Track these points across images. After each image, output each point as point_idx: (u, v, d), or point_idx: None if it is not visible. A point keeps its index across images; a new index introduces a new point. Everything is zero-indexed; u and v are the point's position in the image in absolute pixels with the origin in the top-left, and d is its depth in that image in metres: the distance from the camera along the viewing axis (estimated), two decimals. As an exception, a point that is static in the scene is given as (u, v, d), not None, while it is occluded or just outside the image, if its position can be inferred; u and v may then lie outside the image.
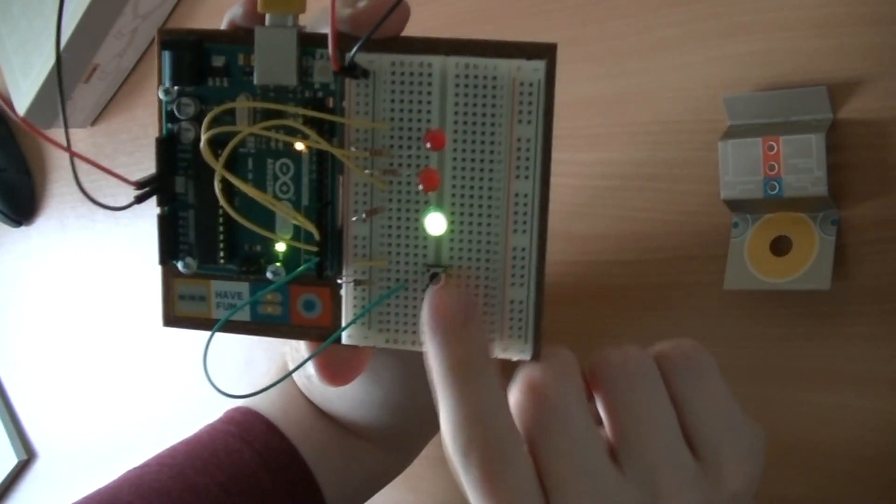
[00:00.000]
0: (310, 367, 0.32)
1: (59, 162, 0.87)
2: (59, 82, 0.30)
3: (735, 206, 0.46)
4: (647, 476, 0.29)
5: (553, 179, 0.55)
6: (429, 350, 0.29)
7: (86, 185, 0.85)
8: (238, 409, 0.54)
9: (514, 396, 0.29)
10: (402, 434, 0.54)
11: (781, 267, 0.44)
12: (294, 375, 0.55)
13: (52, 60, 0.73)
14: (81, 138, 0.83)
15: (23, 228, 0.91)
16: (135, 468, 0.50)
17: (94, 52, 0.72)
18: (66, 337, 0.88)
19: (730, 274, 0.45)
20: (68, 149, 0.29)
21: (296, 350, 0.52)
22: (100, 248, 0.84)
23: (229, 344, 0.75)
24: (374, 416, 0.52)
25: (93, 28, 0.71)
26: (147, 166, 0.78)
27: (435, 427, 0.58)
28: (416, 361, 0.31)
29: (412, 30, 0.59)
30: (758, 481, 0.31)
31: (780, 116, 0.45)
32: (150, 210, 0.89)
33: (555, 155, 0.54)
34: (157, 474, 0.49)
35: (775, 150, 0.44)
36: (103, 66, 0.75)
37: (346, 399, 0.51)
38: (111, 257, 0.83)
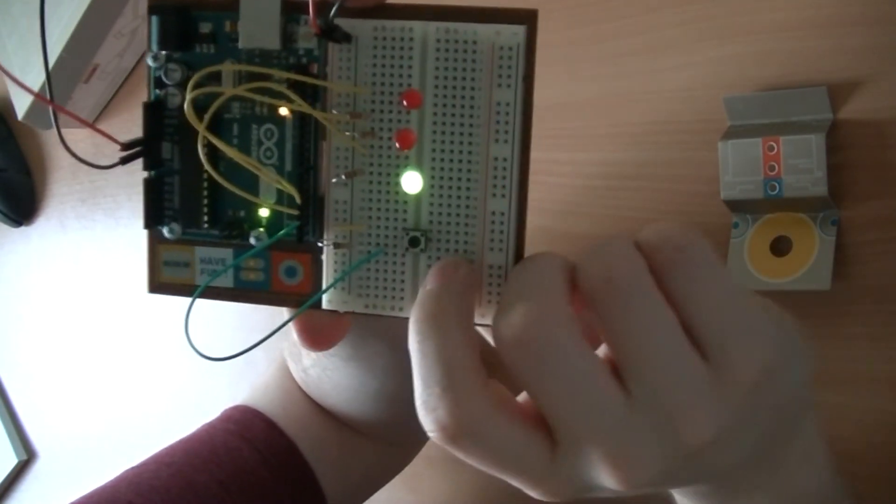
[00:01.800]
0: (294, 336, 0.32)
1: (59, 162, 0.87)
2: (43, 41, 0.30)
3: (735, 206, 0.46)
4: (656, 397, 0.27)
5: (553, 179, 0.55)
6: (415, 304, 0.29)
7: (85, 186, 0.85)
8: (236, 408, 0.54)
9: (499, 349, 0.27)
10: (399, 428, 0.54)
11: (781, 267, 0.44)
12: (293, 371, 0.55)
13: (52, 59, 0.73)
14: (81, 138, 0.83)
15: (23, 228, 0.91)
16: (133, 467, 0.50)
17: (94, 52, 0.72)
18: (66, 337, 0.88)
19: (730, 274, 0.45)
20: (50, 101, 0.30)
21: (293, 345, 0.52)
22: (100, 248, 0.84)
23: (231, 344, 0.75)
24: (370, 409, 0.52)
25: (93, 28, 0.71)
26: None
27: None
28: (407, 349, 0.31)
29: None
30: (785, 363, 0.28)
31: (780, 117, 0.45)
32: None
33: (554, 155, 0.55)
34: (156, 473, 0.48)
35: (775, 150, 0.44)
36: (103, 66, 0.75)
37: (342, 391, 0.51)
38: (111, 257, 0.83)
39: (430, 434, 0.28)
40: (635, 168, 0.51)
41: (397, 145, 0.29)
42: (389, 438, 0.55)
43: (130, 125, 0.79)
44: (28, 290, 0.92)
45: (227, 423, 0.53)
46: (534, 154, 0.28)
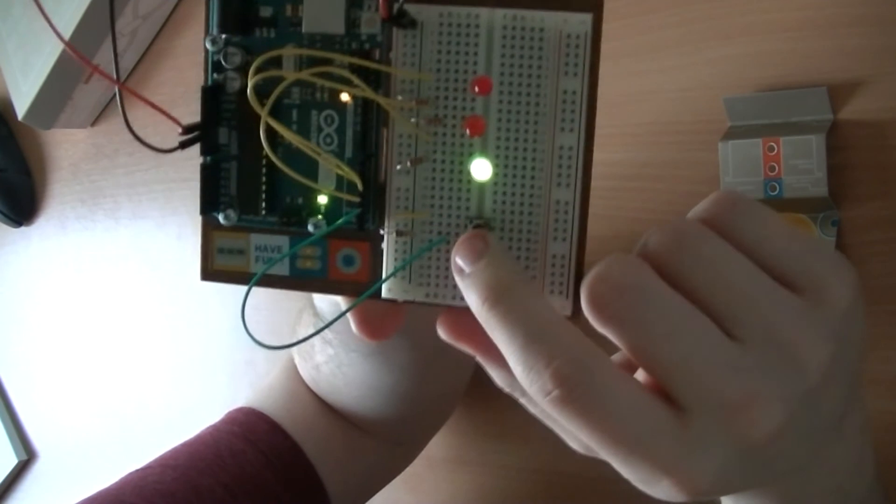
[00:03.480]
0: (352, 326, 0.31)
1: (59, 162, 0.87)
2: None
3: (735, 206, 0.46)
4: (765, 334, 0.26)
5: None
6: (466, 291, 0.28)
7: (85, 186, 0.85)
8: (240, 410, 0.55)
9: (597, 310, 0.26)
10: (406, 426, 0.55)
11: (782, 267, 0.44)
12: (301, 368, 0.55)
13: (52, 60, 0.73)
14: (81, 139, 0.83)
15: (23, 229, 0.91)
16: (137, 470, 0.50)
17: (94, 52, 0.72)
18: (66, 337, 0.88)
19: (730, 274, 0.45)
20: (117, 80, 0.30)
21: (312, 326, 0.52)
22: (100, 248, 0.84)
23: (231, 345, 0.75)
24: (381, 406, 0.52)
25: (93, 28, 0.71)
26: (148, 166, 0.78)
27: (438, 422, 0.58)
28: (428, 347, 0.30)
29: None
30: (860, 294, 0.28)
31: (780, 117, 0.45)
32: (151, 210, 0.88)
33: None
34: (161, 476, 0.48)
35: (776, 150, 0.44)
36: (103, 66, 0.75)
37: (355, 387, 0.51)
38: (111, 258, 0.83)
39: (547, 399, 0.25)
40: (635, 168, 0.51)
41: (467, 132, 0.29)
42: (394, 437, 0.55)
43: (131, 125, 0.79)
44: (28, 290, 0.92)
45: (231, 426, 0.53)
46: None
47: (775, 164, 0.44)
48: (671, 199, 0.49)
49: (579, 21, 0.28)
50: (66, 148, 0.85)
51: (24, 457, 0.92)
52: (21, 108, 0.78)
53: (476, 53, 0.28)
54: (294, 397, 0.54)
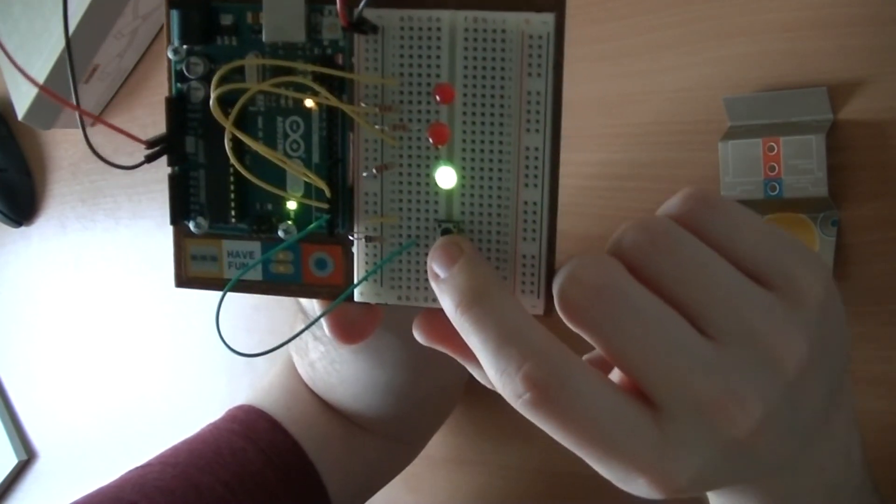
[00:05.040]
0: (326, 330, 0.32)
1: (59, 162, 0.87)
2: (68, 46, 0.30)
3: (735, 206, 0.46)
4: (740, 332, 0.26)
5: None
6: (441, 296, 0.28)
7: (85, 186, 0.85)
8: (240, 408, 0.55)
9: (569, 310, 0.26)
10: (405, 424, 0.55)
11: (781, 267, 0.44)
12: (298, 365, 0.55)
13: (52, 60, 0.73)
14: (81, 138, 0.83)
15: (23, 229, 0.91)
16: (137, 468, 0.50)
17: (95, 52, 0.72)
18: (66, 337, 0.88)
19: (730, 274, 0.45)
20: (77, 106, 0.30)
21: (302, 323, 0.52)
22: (100, 248, 0.84)
23: (231, 344, 0.75)
24: (377, 403, 0.52)
25: (93, 28, 0.71)
26: (147, 166, 0.78)
27: (438, 419, 0.58)
28: (418, 343, 0.30)
29: None
30: (835, 288, 0.28)
31: (780, 117, 0.45)
32: (151, 210, 0.88)
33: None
34: (161, 473, 0.48)
35: (776, 150, 0.44)
36: (103, 66, 0.75)
37: (350, 385, 0.51)
38: (111, 258, 0.83)
39: (519, 402, 0.25)
40: (635, 168, 0.51)
41: (430, 140, 0.29)
42: (394, 434, 0.55)
43: (131, 125, 0.79)
44: (28, 290, 0.92)
45: (231, 424, 0.53)
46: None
47: (775, 164, 0.44)
48: (671, 199, 0.49)
49: (541, 21, 0.28)
50: (66, 148, 0.85)
51: (24, 457, 0.92)
52: (21, 108, 0.78)
53: (439, 57, 0.28)
54: (294, 395, 0.54)
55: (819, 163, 0.43)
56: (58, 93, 0.29)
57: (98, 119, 0.31)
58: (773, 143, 0.44)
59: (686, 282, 0.26)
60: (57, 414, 0.90)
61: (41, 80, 0.75)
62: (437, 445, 0.60)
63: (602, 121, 0.52)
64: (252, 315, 0.71)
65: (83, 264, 0.86)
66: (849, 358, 0.30)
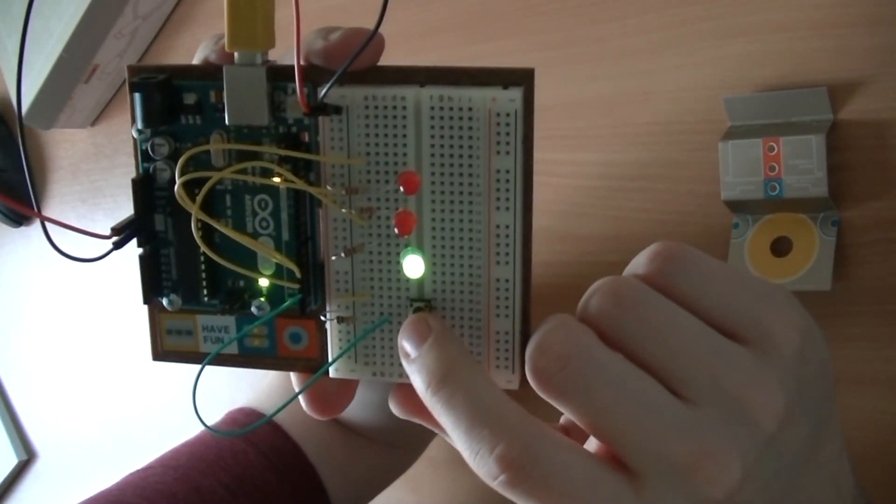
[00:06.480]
0: (303, 405, 0.32)
1: (59, 163, 0.87)
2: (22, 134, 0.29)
3: (735, 206, 0.46)
4: (713, 391, 0.26)
5: (553, 179, 0.55)
6: (411, 375, 0.28)
7: (85, 186, 0.85)
8: (241, 411, 0.54)
9: (540, 381, 0.26)
10: (402, 432, 0.55)
11: (782, 268, 0.44)
12: (293, 375, 0.55)
13: (52, 60, 0.73)
14: (82, 139, 0.83)
15: (23, 228, 0.91)
16: (137, 470, 0.50)
17: (94, 52, 0.72)
18: (66, 337, 0.88)
19: (730, 274, 0.45)
20: (38, 213, 0.30)
21: None
22: (100, 248, 0.84)
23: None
24: (374, 417, 0.52)
25: (93, 28, 0.71)
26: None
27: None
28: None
29: (414, 29, 0.59)
30: (813, 328, 0.28)
31: (780, 117, 0.45)
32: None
33: (555, 156, 0.55)
34: (162, 476, 0.48)
35: (776, 150, 0.44)
36: (103, 66, 0.75)
37: None
38: (111, 257, 0.83)
39: (495, 483, 0.25)
40: (636, 168, 0.51)
41: (396, 231, 0.28)
42: (393, 441, 0.55)
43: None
44: (28, 290, 0.92)
45: (232, 427, 0.53)
46: (535, 155, 0.28)
47: (775, 164, 0.44)
48: (671, 199, 0.49)
49: (508, 98, 0.27)
50: (66, 148, 0.85)
51: (24, 457, 0.92)
52: (21, 108, 0.78)
53: (405, 136, 0.28)
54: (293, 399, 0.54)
55: (819, 163, 0.43)
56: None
57: (54, 221, 0.31)
58: (773, 143, 0.44)
59: (656, 343, 0.26)
60: (57, 414, 0.90)
61: (41, 80, 0.75)
62: (437, 445, 0.60)
63: (602, 121, 0.52)
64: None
65: (83, 264, 0.86)
66: (833, 385, 0.30)
